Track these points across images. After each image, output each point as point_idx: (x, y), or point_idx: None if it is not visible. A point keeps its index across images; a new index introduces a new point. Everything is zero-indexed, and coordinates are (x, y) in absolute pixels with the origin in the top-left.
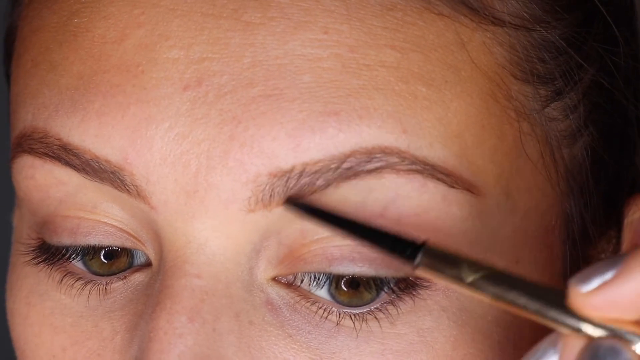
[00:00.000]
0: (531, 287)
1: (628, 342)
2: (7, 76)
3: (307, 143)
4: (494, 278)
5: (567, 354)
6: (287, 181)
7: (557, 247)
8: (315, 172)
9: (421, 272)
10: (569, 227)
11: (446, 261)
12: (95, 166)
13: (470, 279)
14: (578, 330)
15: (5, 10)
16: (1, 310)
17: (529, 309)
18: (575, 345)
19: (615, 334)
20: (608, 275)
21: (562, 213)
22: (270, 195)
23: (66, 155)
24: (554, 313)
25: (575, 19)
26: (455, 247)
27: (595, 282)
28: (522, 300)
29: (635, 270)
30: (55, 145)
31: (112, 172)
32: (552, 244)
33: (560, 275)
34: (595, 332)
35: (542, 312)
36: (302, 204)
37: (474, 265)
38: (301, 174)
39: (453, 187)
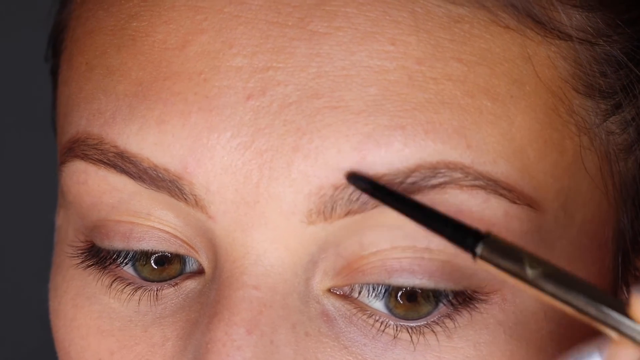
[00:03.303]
0: (591, 290)
1: None
2: (53, 73)
3: (372, 157)
4: (555, 276)
5: None
6: (350, 194)
7: (609, 259)
8: None
9: (481, 264)
10: (620, 239)
11: (507, 254)
12: (153, 174)
13: (530, 274)
14: (634, 340)
15: (51, 7)
16: (2, 311)
17: (587, 312)
18: (627, 354)
19: None
20: None
21: (615, 226)
22: (332, 208)
23: (122, 162)
24: (611, 318)
25: (635, 32)
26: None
27: None
28: (581, 301)
29: None
30: (111, 152)
31: (170, 181)
32: (604, 257)
33: (610, 288)
34: None
35: (600, 316)
36: (365, 180)
37: (536, 261)
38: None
39: (515, 202)
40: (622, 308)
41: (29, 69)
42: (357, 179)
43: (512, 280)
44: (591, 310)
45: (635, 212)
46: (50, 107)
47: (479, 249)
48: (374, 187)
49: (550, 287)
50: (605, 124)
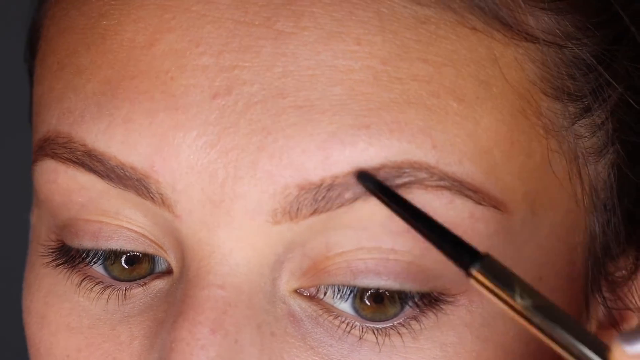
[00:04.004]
0: (577, 328)
1: None
2: (30, 74)
3: (337, 156)
4: (544, 309)
5: None
6: (315, 194)
7: (579, 263)
8: (344, 185)
9: (474, 284)
10: (591, 244)
11: (500, 279)
12: (120, 173)
13: (521, 303)
14: None
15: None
16: (2, 311)
17: (571, 351)
18: None
19: None
20: None
21: (585, 230)
22: (298, 208)
23: (90, 161)
24: None
25: (605, 36)
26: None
27: None
28: (567, 339)
29: None
30: (80, 151)
31: (137, 180)
32: (574, 261)
33: (581, 292)
34: None
35: (582, 357)
36: (373, 181)
37: (528, 291)
38: (330, 187)
39: (480, 203)
40: (604, 352)
41: (14, 69)
42: (365, 179)
43: (500, 306)
44: (574, 350)
45: (607, 217)
46: (28, 106)
47: (473, 270)
48: (379, 189)
49: (537, 319)
50: (573, 127)
